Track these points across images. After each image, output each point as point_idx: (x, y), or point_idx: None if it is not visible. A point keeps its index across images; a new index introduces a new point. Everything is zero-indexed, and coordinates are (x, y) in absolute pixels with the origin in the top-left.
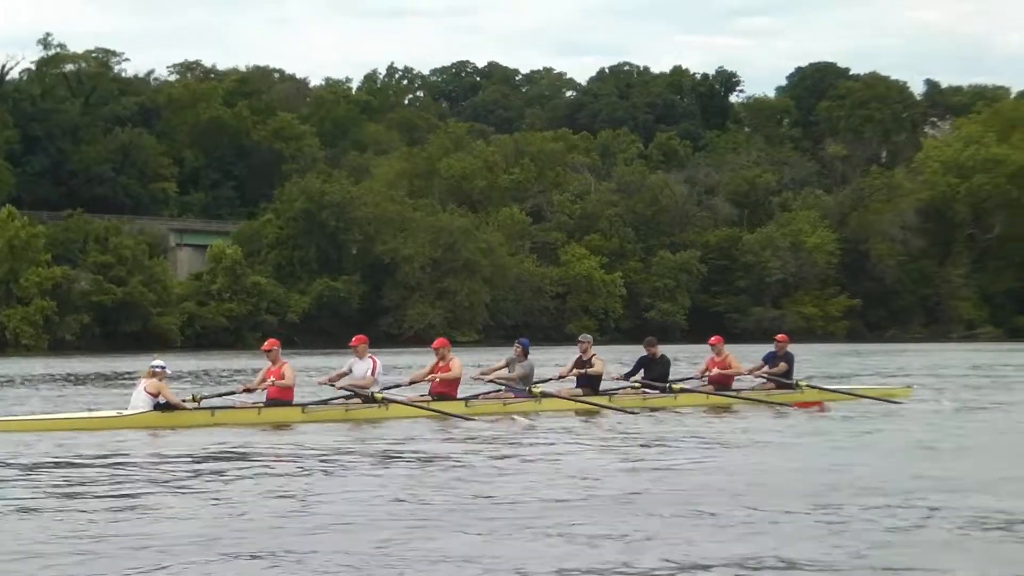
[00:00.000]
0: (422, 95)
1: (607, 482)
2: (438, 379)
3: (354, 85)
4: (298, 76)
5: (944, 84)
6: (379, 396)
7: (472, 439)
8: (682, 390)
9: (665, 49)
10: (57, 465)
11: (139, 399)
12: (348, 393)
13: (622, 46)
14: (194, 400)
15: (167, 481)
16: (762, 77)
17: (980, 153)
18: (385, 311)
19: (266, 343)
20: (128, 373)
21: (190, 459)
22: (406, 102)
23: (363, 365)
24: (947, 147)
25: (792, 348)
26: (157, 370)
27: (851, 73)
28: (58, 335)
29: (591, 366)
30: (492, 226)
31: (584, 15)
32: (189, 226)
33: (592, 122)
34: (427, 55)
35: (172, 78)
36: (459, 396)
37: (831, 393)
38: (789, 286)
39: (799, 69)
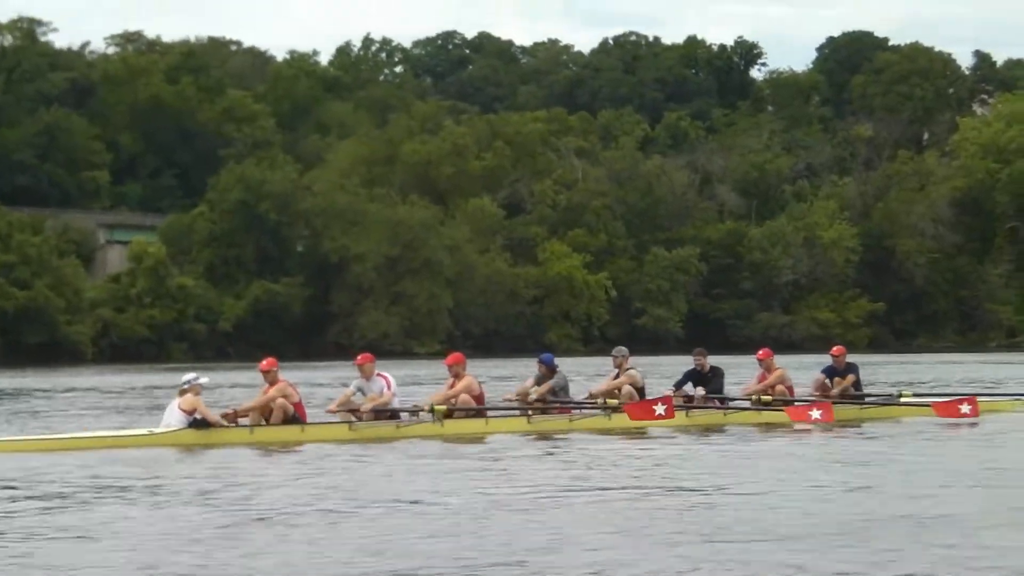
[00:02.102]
0: (401, 70)
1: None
2: (456, 400)
3: (325, 59)
4: (260, 48)
5: (1005, 57)
6: (439, 410)
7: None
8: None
9: (689, 17)
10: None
11: (173, 416)
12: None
13: (637, 14)
14: (230, 422)
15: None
16: (794, 50)
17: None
18: (333, 318)
19: (263, 362)
20: (38, 391)
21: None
22: (382, 78)
23: (375, 385)
24: (987, 127)
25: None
26: (186, 386)
27: (890, 44)
28: None
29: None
30: (460, 220)
31: None
32: (122, 220)
33: (593, 100)
34: (409, 25)
35: (111, 51)
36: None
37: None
38: (802, 288)
39: (831, 39)
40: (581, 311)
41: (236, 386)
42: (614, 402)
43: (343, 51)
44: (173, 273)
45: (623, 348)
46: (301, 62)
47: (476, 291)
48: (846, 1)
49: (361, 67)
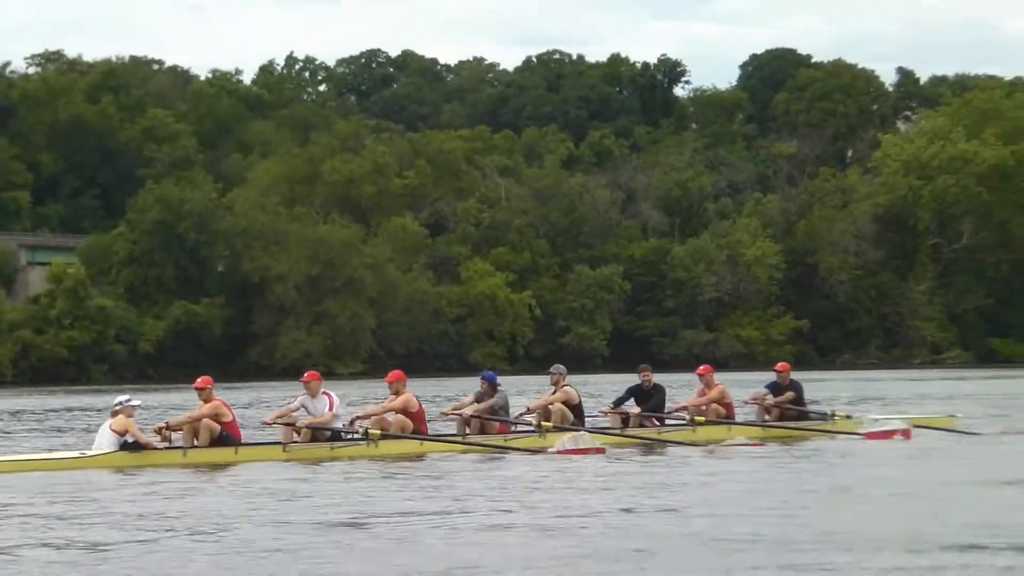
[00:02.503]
0: (324, 89)
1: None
2: (380, 414)
3: (249, 78)
4: (183, 67)
5: (929, 74)
6: (374, 432)
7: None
8: (706, 421)
9: (612, 36)
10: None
11: (104, 438)
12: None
13: (563, 33)
14: (163, 438)
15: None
16: (718, 68)
17: (946, 151)
18: (254, 339)
19: (199, 380)
20: None
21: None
22: (308, 97)
23: (319, 403)
24: (909, 144)
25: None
26: (117, 408)
27: (814, 61)
28: None
29: (564, 397)
30: (382, 239)
31: None
32: (43, 242)
33: (517, 118)
34: (333, 44)
35: (31, 71)
36: (444, 433)
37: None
38: (725, 306)
39: (754, 57)
40: (505, 330)
41: (159, 407)
42: (548, 424)
43: (266, 70)
44: (93, 294)
45: (561, 366)
46: (223, 81)
47: (399, 310)
48: (770, 19)
49: (284, 86)
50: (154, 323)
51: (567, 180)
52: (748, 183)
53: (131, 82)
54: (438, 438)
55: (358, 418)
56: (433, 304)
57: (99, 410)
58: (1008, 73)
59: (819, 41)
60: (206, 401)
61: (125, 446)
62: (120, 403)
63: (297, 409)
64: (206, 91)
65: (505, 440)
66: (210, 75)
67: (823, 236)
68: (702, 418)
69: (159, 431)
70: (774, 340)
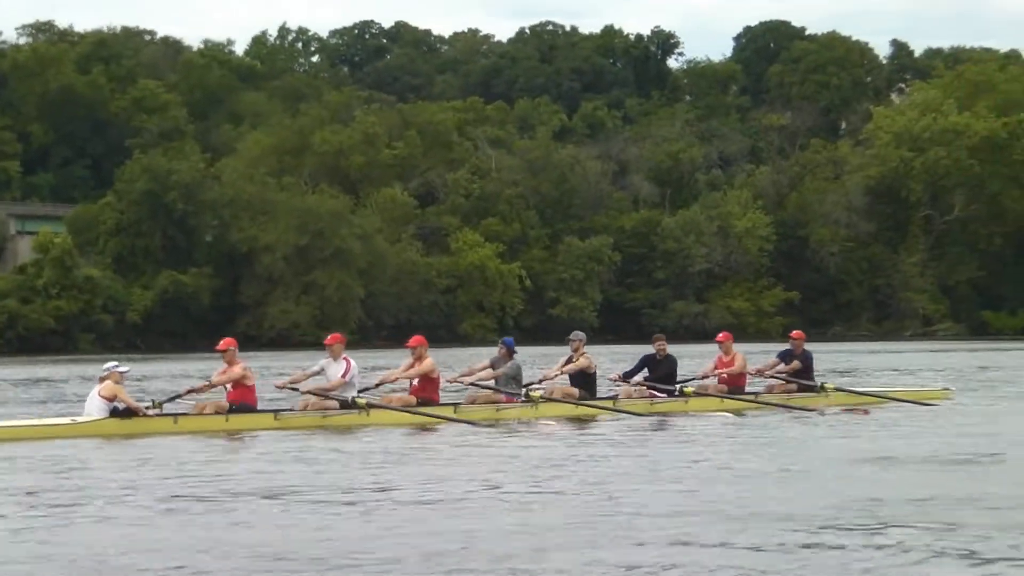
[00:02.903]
0: (317, 60)
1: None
2: (405, 379)
3: (242, 49)
4: (175, 38)
5: (925, 47)
6: (361, 401)
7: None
8: (695, 393)
9: (606, 7)
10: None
11: (93, 405)
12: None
13: (558, 4)
14: (155, 405)
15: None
16: (713, 39)
17: (938, 123)
18: (243, 309)
19: (221, 343)
20: None
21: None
22: (300, 68)
23: (336, 367)
24: (900, 116)
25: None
26: (110, 372)
27: (808, 33)
28: None
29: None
30: (371, 209)
31: None
32: (33, 211)
33: (510, 90)
34: (327, 15)
35: (21, 41)
36: (442, 400)
37: (861, 396)
38: (716, 277)
39: (748, 29)
40: (495, 301)
41: (146, 377)
42: (537, 395)
43: (259, 41)
44: (80, 264)
45: (580, 333)
46: (215, 51)
47: (388, 281)
48: None
49: (277, 57)
50: (142, 293)
51: (558, 151)
52: (740, 155)
53: (122, 52)
54: (427, 413)
55: (383, 382)
56: (422, 275)
57: (87, 379)
58: (1003, 46)
59: (815, 15)
60: (229, 363)
61: (115, 412)
62: (107, 369)
63: (318, 372)
64: (197, 62)
65: (497, 410)
66: (202, 46)
67: (814, 208)
68: (691, 389)
69: (199, 390)
70: (764, 312)
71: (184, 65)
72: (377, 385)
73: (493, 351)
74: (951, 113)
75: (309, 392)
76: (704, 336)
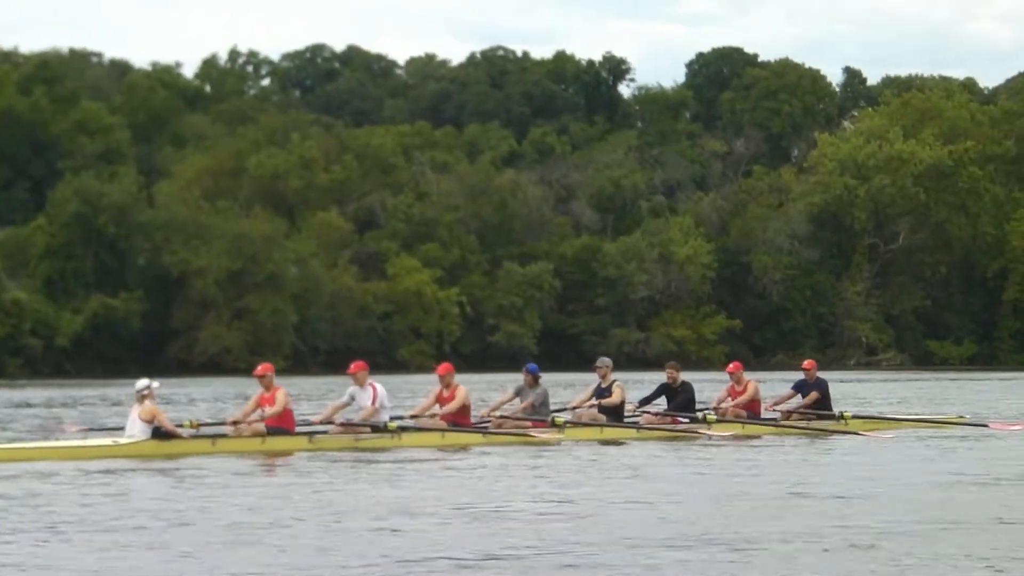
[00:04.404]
0: (268, 83)
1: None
2: (440, 411)
3: (191, 71)
4: (122, 60)
5: (882, 75)
6: (392, 425)
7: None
8: (717, 420)
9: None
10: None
11: (134, 427)
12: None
13: (514, 29)
14: (191, 426)
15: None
16: (665, 66)
17: (883, 150)
18: (174, 334)
19: (259, 368)
20: None
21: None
22: (249, 91)
23: (364, 395)
24: (845, 143)
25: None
26: (145, 392)
27: (760, 60)
28: None
29: (610, 394)
30: (306, 234)
31: None
32: None
33: (460, 114)
34: (279, 39)
35: None
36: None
37: (882, 422)
38: (657, 304)
39: (700, 55)
40: (432, 327)
41: (74, 402)
42: (561, 420)
43: (209, 63)
44: (8, 287)
45: (607, 359)
46: (161, 73)
47: (323, 306)
48: (718, 19)
49: (227, 80)
50: (71, 317)
51: (498, 176)
52: (686, 182)
53: (66, 74)
54: (459, 429)
55: (414, 416)
56: (359, 301)
57: (16, 405)
58: (962, 75)
59: (777, 42)
60: (267, 388)
61: (156, 434)
62: (140, 389)
63: (348, 403)
64: (142, 83)
65: (525, 435)
66: (149, 68)
67: (757, 235)
68: (713, 416)
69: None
70: (706, 339)
71: (128, 87)
72: (412, 417)
73: (432, 378)
74: (897, 141)
75: (343, 425)
76: (645, 364)
